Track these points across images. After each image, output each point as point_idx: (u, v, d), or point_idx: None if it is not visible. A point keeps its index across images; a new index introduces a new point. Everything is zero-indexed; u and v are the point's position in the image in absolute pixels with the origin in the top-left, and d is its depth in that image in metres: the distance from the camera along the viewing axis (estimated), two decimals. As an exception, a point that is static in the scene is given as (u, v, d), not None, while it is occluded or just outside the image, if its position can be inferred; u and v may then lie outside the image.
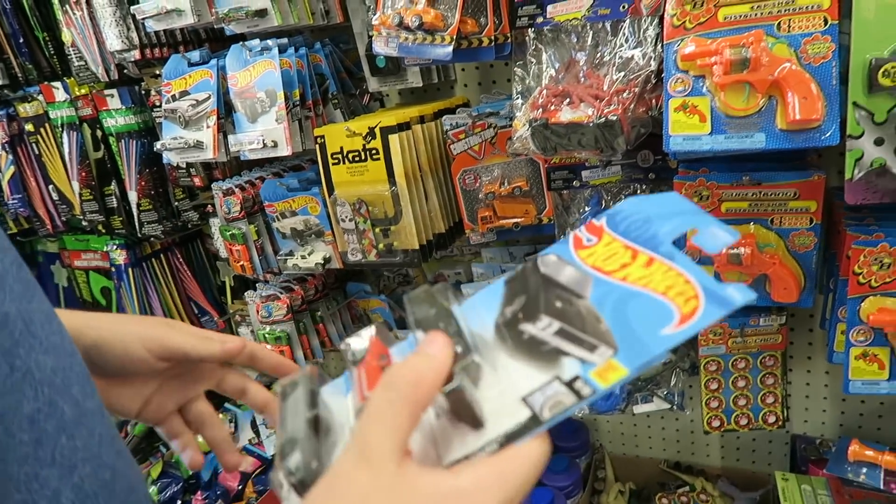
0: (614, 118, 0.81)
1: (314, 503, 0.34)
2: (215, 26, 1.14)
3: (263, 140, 1.16)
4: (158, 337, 0.56)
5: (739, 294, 0.33)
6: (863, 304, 0.85)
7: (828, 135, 0.73)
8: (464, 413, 0.36)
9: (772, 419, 1.10)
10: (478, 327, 0.41)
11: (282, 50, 1.16)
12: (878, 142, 0.73)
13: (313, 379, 0.43)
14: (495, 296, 0.42)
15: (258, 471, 1.61)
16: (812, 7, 0.73)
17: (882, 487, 0.96)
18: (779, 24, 0.74)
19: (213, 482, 1.62)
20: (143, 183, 1.49)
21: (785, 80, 0.73)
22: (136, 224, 1.53)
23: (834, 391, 1.27)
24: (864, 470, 0.98)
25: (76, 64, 1.42)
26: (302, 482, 0.36)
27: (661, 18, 0.81)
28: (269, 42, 1.16)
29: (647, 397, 1.19)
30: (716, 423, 1.13)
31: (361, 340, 0.43)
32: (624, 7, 0.83)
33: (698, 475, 1.43)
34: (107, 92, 1.44)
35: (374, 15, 0.96)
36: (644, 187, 1.04)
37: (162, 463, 1.70)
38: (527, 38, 0.92)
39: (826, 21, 0.72)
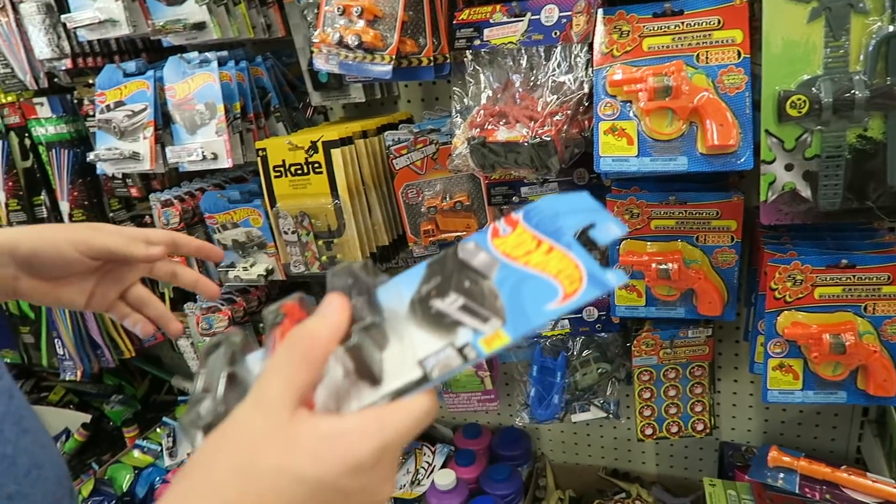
0: (548, 139, 0.84)
1: (211, 440, 0.37)
2: (151, 38, 1.13)
3: (203, 152, 1.15)
4: (86, 239, 0.63)
5: (615, 277, 0.39)
6: (779, 318, 0.90)
7: (742, 160, 0.78)
8: (363, 370, 0.40)
9: (700, 427, 1.15)
10: (394, 303, 0.45)
11: (221, 63, 1.15)
12: (788, 167, 0.78)
13: (238, 342, 0.46)
14: (416, 276, 0.45)
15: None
16: (727, 41, 0.78)
17: (797, 491, 1.01)
18: (697, 55, 0.79)
19: (149, 499, 1.57)
20: (75, 193, 1.44)
21: (703, 107, 0.77)
22: (69, 235, 1.48)
23: (758, 400, 1.33)
24: (782, 475, 1.04)
25: (1, 71, 1.37)
26: (209, 426, 0.40)
27: (591, 45, 0.85)
28: (209, 55, 1.15)
29: (584, 406, 1.22)
30: (648, 431, 1.18)
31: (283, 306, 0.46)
32: (556, 34, 0.86)
33: (634, 482, 1.48)
34: (36, 100, 1.39)
35: (315, 32, 0.97)
36: (579, 204, 1.08)
37: (94, 480, 1.64)
38: (465, 59, 0.95)
39: (739, 54, 0.77)
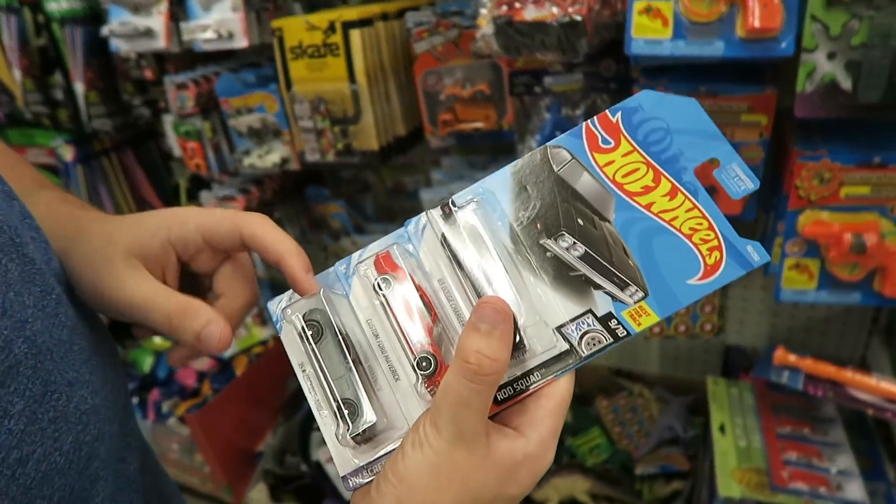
0: (579, 18, 0.80)
1: (422, 480, 0.37)
2: None
3: (218, 30, 1.11)
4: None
5: (758, 255, 0.33)
6: (800, 216, 0.89)
7: (784, 45, 0.74)
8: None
9: (708, 327, 1.17)
10: (493, 228, 0.38)
11: (237, -69, 1.09)
12: (831, 56, 0.75)
13: (325, 310, 0.40)
14: (503, 189, 0.38)
15: (215, 370, 1.64)
16: None
17: (801, 389, 1.04)
18: (747, -74, 0.74)
19: (170, 380, 1.65)
20: (90, 74, 1.41)
21: (747, -15, 0.73)
22: (85, 117, 1.47)
23: (767, 305, 1.34)
24: (787, 373, 1.06)
25: (12, -63, 1.31)
26: (366, 438, 0.38)
27: (632, -85, 0.79)
28: (224, -78, 1.09)
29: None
30: (656, 330, 1.19)
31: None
32: None
33: (637, 381, 1.52)
34: (47, -29, 1.33)
35: None
36: (605, 96, 1.04)
37: (118, 361, 1.72)
38: (495, -70, 0.89)
39: (793, -74, 0.72)
